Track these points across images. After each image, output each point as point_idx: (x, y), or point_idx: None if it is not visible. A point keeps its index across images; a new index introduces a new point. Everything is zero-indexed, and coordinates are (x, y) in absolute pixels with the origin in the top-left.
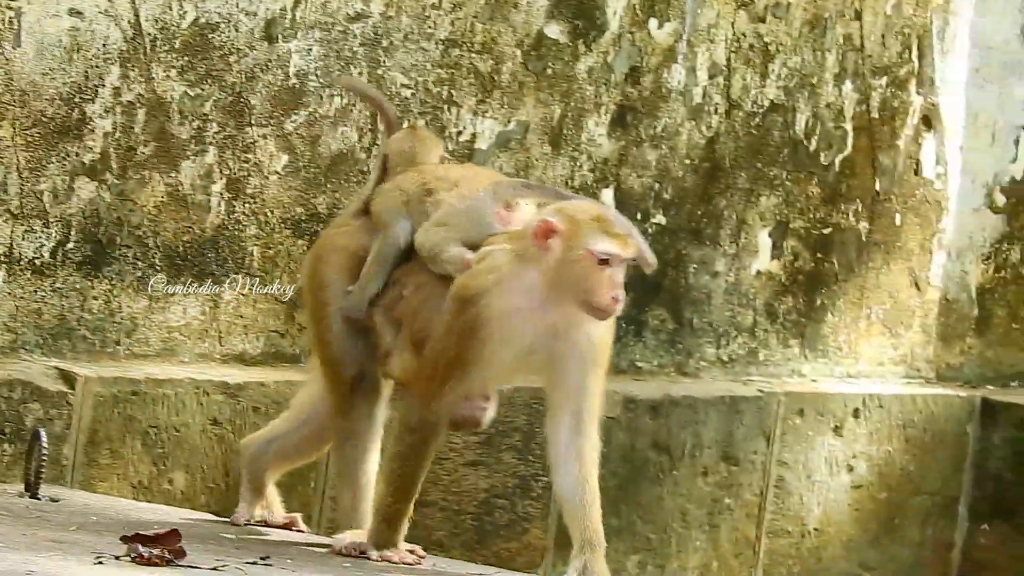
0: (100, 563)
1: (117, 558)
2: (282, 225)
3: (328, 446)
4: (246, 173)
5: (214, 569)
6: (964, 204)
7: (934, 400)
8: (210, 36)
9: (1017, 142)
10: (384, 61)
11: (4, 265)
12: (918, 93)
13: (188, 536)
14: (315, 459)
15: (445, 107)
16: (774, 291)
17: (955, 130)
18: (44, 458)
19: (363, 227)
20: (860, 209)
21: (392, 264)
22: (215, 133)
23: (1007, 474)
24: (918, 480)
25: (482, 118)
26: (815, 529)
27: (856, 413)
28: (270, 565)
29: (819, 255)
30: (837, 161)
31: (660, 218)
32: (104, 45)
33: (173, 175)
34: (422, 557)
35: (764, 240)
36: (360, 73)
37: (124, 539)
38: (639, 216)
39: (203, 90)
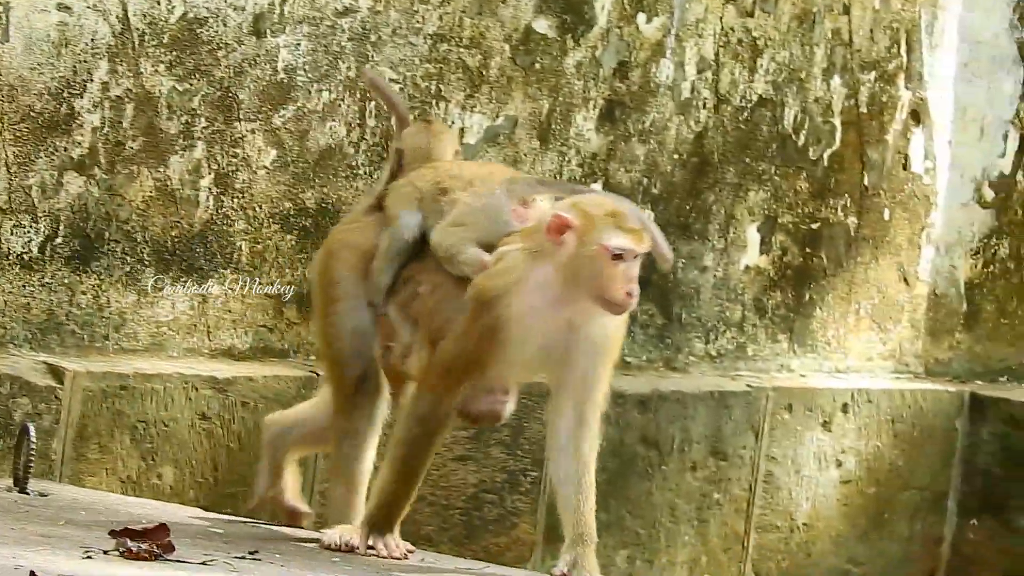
0: (89, 557)
1: (105, 552)
2: (270, 220)
3: None
4: (234, 168)
5: (203, 564)
6: (952, 199)
7: (923, 395)
8: (198, 31)
9: (1006, 137)
10: (372, 56)
11: None
12: (907, 88)
13: (176, 531)
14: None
15: (433, 102)
16: (762, 286)
17: (943, 125)
18: (33, 453)
19: (375, 224)
20: (848, 204)
21: (401, 258)
22: (203, 128)
23: (996, 469)
24: (907, 475)
25: (470, 113)
26: (804, 524)
27: (845, 408)
28: (259, 560)
29: (807, 250)
30: (825, 156)
31: (648, 213)
32: (92, 40)
33: (161, 170)
34: (411, 551)
35: (752, 235)
36: (348, 68)
37: (113, 533)
38: None
39: (191, 85)
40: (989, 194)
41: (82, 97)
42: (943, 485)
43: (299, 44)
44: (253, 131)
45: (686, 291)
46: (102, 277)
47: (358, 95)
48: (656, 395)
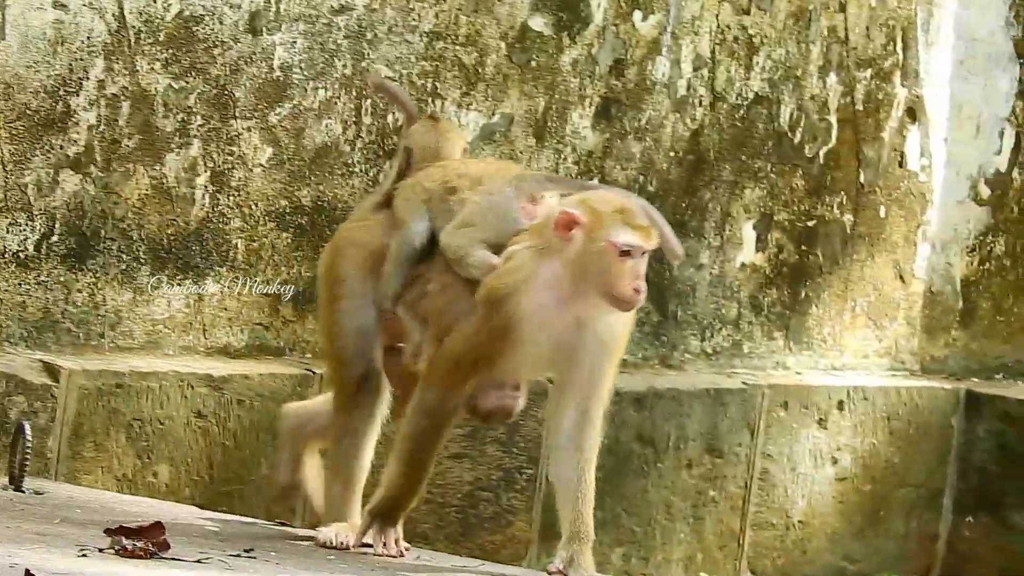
0: (84, 555)
1: (101, 550)
2: (266, 218)
3: None
4: (230, 166)
5: (198, 562)
6: (948, 196)
7: (919, 392)
8: (194, 29)
9: (1002, 134)
10: (368, 54)
11: None
12: (903, 85)
13: (172, 529)
14: None
15: (429, 100)
16: (758, 283)
17: (939, 122)
18: (28, 451)
19: (383, 222)
20: (844, 201)
21: (410, 264)
22: (199, 126)
23: (991, 466)
24: (902, 472)
25: (466, 110)
26: (799, 521)
27: (840, 405)
28: (254, 558)
29: (803, 247)
30: (821, 153)
31: None
32: (88, 38)
33: (157, 168)
34: (406, 549)
35: (748, 232)
36: (344, 66)
37: (108, 532)
38: None
39: (187, 83)
40: (985, 191)
41: (78, 95)
42: (939, 482)
43: (295, 42)
44: (249, 129)
45: (682, 288)
46: (98, 275)
47: (354, 93)
48: (652, 392)
